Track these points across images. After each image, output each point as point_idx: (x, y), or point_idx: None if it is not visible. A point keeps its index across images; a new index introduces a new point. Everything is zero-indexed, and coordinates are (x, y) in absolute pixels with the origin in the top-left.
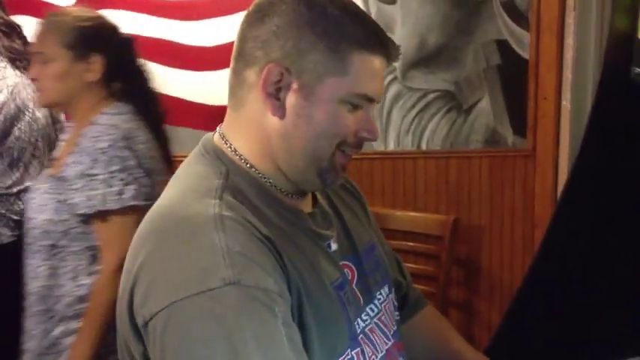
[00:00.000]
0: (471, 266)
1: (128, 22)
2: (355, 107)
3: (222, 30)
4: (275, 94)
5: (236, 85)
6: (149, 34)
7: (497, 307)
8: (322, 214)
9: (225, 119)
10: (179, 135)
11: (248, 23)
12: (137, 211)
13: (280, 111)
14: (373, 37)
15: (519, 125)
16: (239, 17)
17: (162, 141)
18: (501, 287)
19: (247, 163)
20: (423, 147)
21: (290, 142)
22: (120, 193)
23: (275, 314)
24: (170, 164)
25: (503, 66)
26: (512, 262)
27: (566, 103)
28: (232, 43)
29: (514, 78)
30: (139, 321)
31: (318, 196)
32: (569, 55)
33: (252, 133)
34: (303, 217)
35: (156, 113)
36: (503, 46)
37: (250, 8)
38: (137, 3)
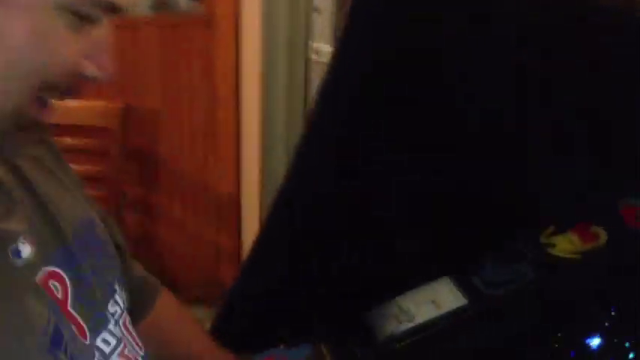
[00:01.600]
0: (147, 159)
1: None
2: (81, 21)
3: None
4: None
5: None
6: None
7: (179, 200)
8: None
9: None
10: None
11: None
12: None
13: None
14: None
15: None
16: None
17: None
18: (183, 176)
19: None
20: None
21: None
22: None
23: None
24: None
25: None
26: (194, 147)
27: None
28: None
29: None
30: None
31: None
32: None
33: None
34: None
35: None
36: None
37: None
38: None
